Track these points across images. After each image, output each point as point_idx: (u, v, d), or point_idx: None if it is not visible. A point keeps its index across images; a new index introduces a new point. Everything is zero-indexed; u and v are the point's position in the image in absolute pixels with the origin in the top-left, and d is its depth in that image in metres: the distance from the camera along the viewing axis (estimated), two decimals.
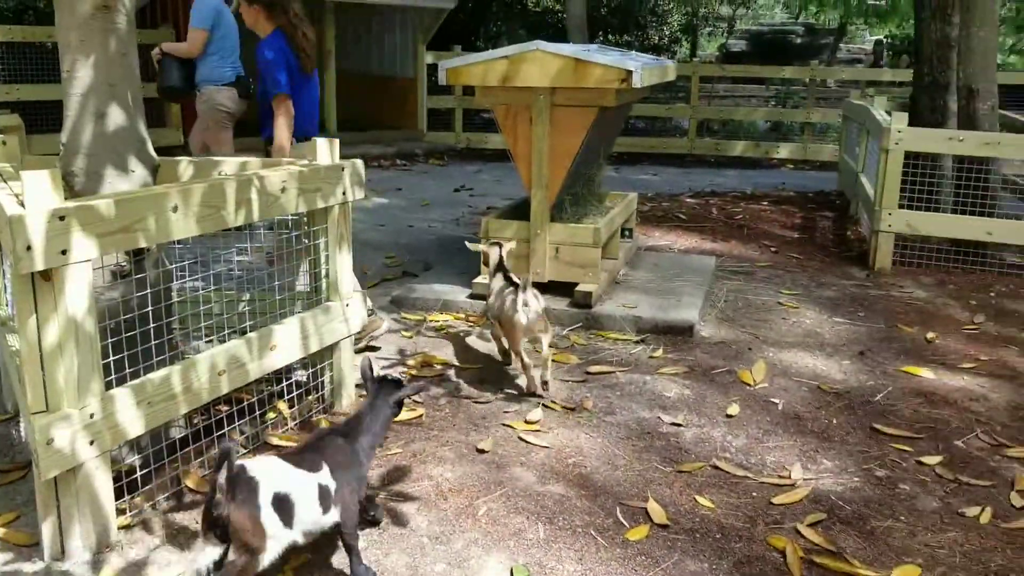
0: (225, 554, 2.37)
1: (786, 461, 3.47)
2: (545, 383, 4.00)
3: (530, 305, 3.93)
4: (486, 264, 4.60)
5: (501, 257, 4.38)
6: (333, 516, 2.55)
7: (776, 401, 4.01)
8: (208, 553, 2.36)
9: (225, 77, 5.96)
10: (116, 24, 3.03)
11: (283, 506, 2.40)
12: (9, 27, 9.72)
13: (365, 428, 2.75)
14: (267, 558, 2.38)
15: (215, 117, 5.96)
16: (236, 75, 6.01)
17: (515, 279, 4.15)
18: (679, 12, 18.85)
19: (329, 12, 11.61)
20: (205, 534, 2.37)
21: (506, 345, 4.24)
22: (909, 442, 3.66)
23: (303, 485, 2.48)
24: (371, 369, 2.92)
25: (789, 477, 3.34)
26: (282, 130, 4.42)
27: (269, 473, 2.43)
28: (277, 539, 2.40)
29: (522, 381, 4.06)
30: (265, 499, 2.37)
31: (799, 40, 22.41)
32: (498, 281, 4.27)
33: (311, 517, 2.48)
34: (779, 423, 3.80)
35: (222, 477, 2.29)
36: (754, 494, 3.22)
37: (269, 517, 2.36)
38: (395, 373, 3.06)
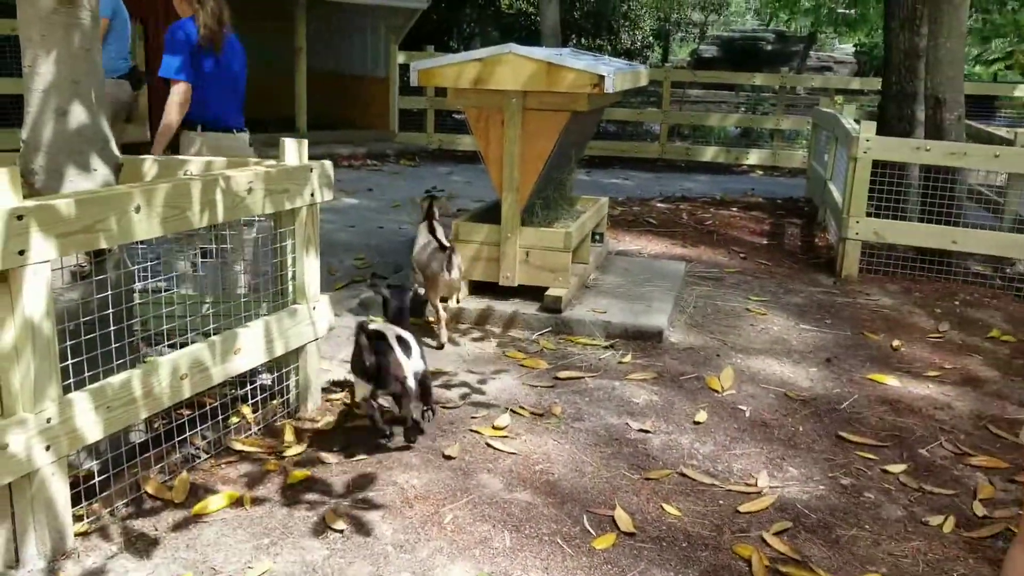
0: (376, 388, 3.37)
1: (753, 469, 3.47)
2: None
3: (454, 266, 4.56)
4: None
5: (431, 207, 4.98)
6: (423, 364, 3.49)
7: (743, 408, 4.02)
8: (364, 386, 3.39)
9: (120, 68, 5.93)
10: (79, 19, 2.96)
11: (403, 345, 3.40)
12: None
13: (407, 321, 3.73)
14: (410, 383, 3.34)
15: (110, 109, 5.92)
16: (129, 67, 5.99)
17: (439, 235, 4.78)
18: (651, 17, 18.93)
19: (300, 10, 11.51)
20: (363, 377, 3.38)
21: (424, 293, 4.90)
22: (874, 450, 3.69)
23: (407, 335, 3.49)
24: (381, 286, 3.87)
25: (755, 485, 3.35)
26: (170, 112, 4.36)
27: (389, 328, 3.50)
28: (409, 368, 3.35)
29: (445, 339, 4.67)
30: (394, 344, 3.36)
31: (770, 47, 22.60)
32: (424, 234, 4.83)
33: (417, 356, 3.44)
34: (746, 430, 3.81)
35: (364, 339, 3.30)
36: (720, 502, 3.22)
37: (401, 354, 3.35)
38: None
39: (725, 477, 3.40)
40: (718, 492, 3.29)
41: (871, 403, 4.15)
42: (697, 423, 3.85)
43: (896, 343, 4.96)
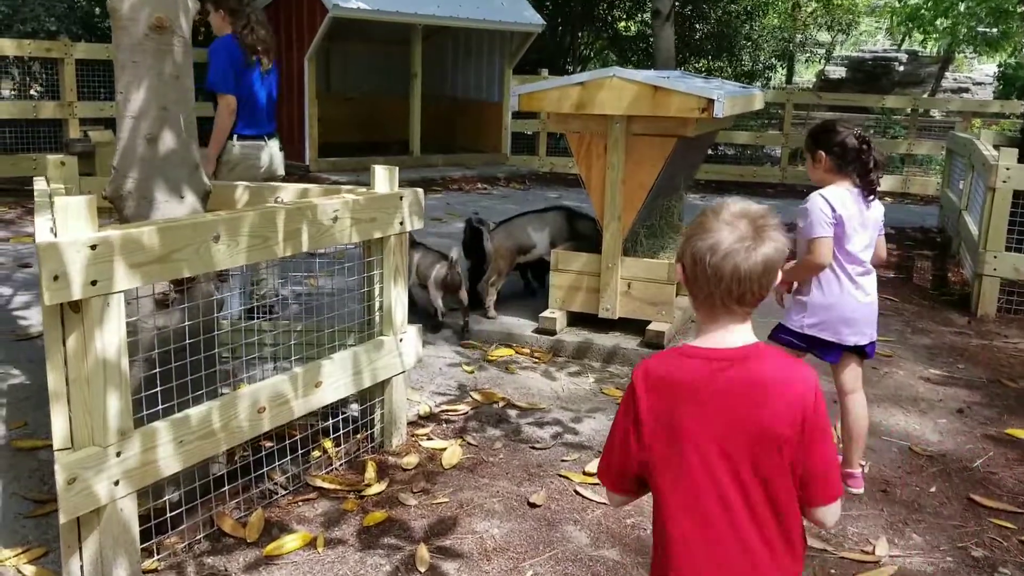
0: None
1: (870, 534, 3.13)
2: None
3: None
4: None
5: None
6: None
7: (862, 463, 3.66)
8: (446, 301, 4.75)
9: None
10: (171, 46, 2.94)
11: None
12: (106, 46, 10.00)
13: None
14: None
15: None
16: None
17: None
18: (775, 38, 18.31)
19: (416, 35, 11.64)
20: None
21: None
22: (1011, 517, 3.28)
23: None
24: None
25: (873, 553, 3.01)
26: (220, 122, 4.72)
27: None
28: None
29: None
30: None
31: (902, 68, 21.59)
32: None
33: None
34: (864, 489, 3.45)
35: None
36: (832, 571, 2.90)
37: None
38: None
39: (839, 542, 3.07)
40: (830, 559, 2.97)
41: (1009, 462, 3.73)
42: None
43: None
